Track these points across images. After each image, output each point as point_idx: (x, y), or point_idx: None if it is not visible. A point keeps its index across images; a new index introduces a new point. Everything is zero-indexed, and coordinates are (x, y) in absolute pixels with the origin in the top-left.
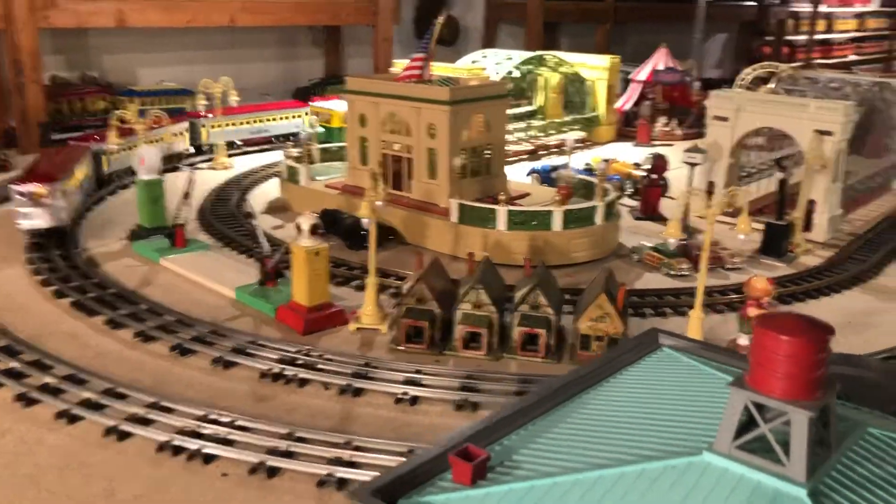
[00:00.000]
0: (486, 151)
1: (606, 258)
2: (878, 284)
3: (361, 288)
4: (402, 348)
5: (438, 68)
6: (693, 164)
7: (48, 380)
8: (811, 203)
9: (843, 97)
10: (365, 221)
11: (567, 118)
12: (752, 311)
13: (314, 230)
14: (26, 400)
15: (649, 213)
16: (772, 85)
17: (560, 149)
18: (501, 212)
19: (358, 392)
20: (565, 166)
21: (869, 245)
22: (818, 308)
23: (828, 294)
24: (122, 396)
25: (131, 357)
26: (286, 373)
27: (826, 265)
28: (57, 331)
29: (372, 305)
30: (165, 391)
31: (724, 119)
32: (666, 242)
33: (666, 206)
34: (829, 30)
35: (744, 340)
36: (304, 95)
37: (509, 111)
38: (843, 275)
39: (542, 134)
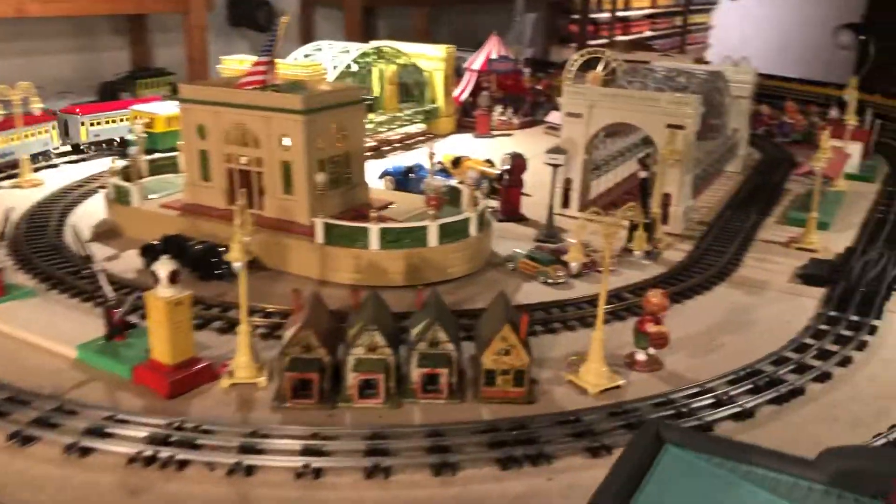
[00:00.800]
0: (347, 162)
1: (482, 270)
2: (741, 277)
3: (225, 330)
4: (289, 405)
5: (280, 66)
6: (555, 166)
7: None
8: (667, 196)
9: (682, 87)
10: (236, 265)
11: (407, 111)
12: (650, 327)
13: (174, 277)
14: None
15: (511, 213)
16: (600, 69)
17: (405, 143)
18: (374, 230)
19: (250, 470)
20: (420, 168)
21: (722, 234)
22: (700, 308)
23: (701, 292)
24: None
25: None
26: (160, 455)
27: (689, 260)
28: None
29: (246, 356)
30: (7, 500)
31: (578, 116)
32: (540, 250)
33: (526, 205)
34: (626, 6)
35: (641, 356)
36: (110, 92)
37: None
38: (710, 270)
39: (384, 129)
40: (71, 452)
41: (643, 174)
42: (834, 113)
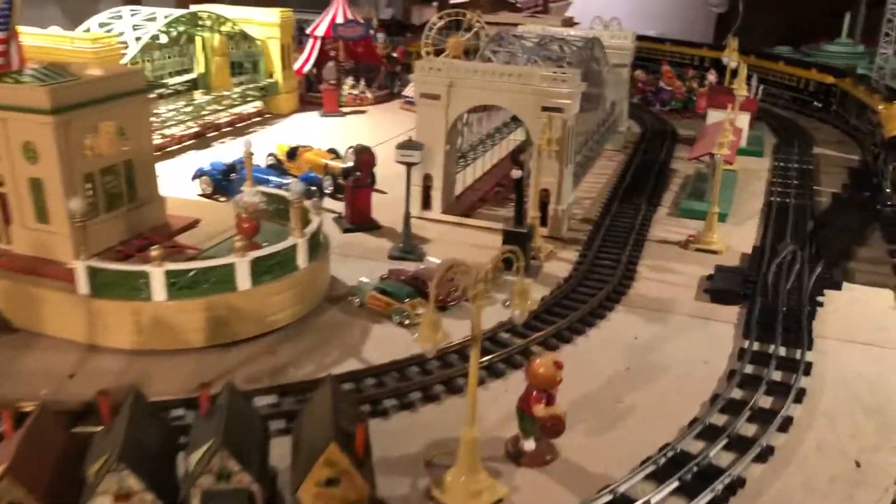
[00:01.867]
0: (129, 172)
1: (317, 309)
2: (639, 295)
3: None
4: None
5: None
6: (410, 164)
7: None
8: (545, 193)
9: (556, 58)
10: None
11: (237, 88)
12: (540, 410)
13: None
14: None
15: (360, 221)
16: (462, 34)
17: (237, 127)
18: (156, 274)
19: None
20: (235, 172)
21: (610, 235)
22: (596, 347)
23: (594, 323)
24: None
25: None
26: None
27: (576, 275)
28: None
29: None
30: None
31: (436, 97)
32: (395, 276)
33: (381, 207)
34: None
35: (529, 445)
36: None
37: (164, 82)
38: (602, 288)
39: (209, 111)
40: None
41: (517, 174)
42: (712, 77)
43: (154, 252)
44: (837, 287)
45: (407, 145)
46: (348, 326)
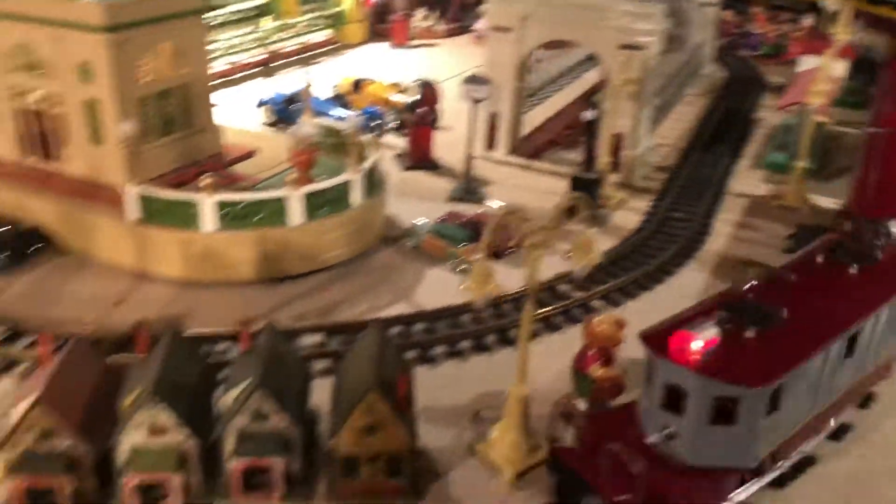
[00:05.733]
0: (184, 98)
1: (371, 250)
2: (713, 252)
3: None
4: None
5: None
6: (476, 100)
7: None
8: (618, 138)
9: None
10: None
11: (304, 16)
12: (597, 369)
13: None
14: None
15: (421, 159)
16: None
17: (304, 61)
18: (207, 204)
19: None
20: (297, 102)
21: (687, 186)
22: (661, 304)
23: (661, 278)
24: None
25: None
26: None
27: (647, 226)
28: None
29: None
30: None
31: (507, 30)
32: (454, 220)
33: (444, 145)
34: None
35: (582, 405)
36: None
37: (231, 10)
38: (674, 244)
39: (274, 39)
40: None
41: (590, 115)
42: (809, 22)
43: (205, 181)
44: None
45: (474, 80)
46: (402, 269)
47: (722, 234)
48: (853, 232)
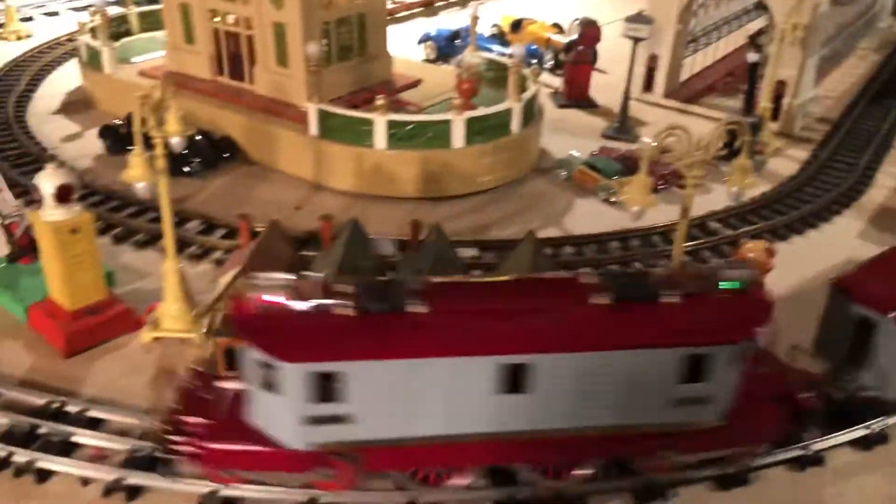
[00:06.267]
0: (361, 25)
1: (524, 178)
2: (872, 202)
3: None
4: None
5: None
6: (637, 39)
7: None
8: (780, 85)
9: None
10: (140, 184)
11: None
12: None
13: (64, 194)
14: None
15: (576, 97)
16: None
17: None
18: (380, 122)
19: (135, 492)
20: (459, 39)
21: (850, 138)
22: (813, 251)
23: (815, 224)
24: None
25: None
26: (14, 459)
27: (805, 173)
28: None
29: (176, 302)
30: None
31: None
32: (605, 154)
33: (598, 87)
34: None
35: None
36: None
37: None
38: (831, 191)
39: None
40: None
41: (754, 57)
42: None
43: (379, 101)
44: None
45: (637, 19)
46: (553, 197)
47: (885, 186)
48: None
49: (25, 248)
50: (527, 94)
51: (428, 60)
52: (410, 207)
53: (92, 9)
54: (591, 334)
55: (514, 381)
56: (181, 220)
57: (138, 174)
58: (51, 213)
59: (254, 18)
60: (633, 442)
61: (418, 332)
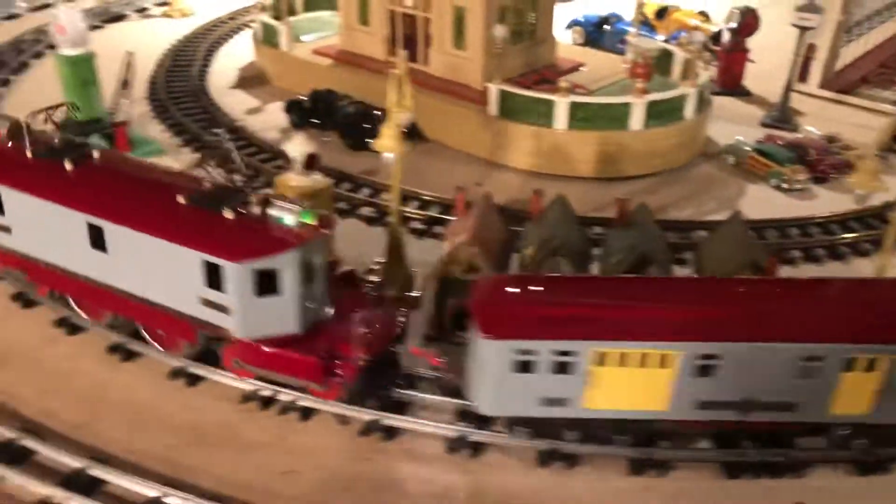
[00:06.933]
0: (533, 8)
1: (690, 163)
2: None
3: (374, 220)
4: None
5: None
6: (804, 28)
7: None
8: None
9: None
10: (386, 156)
11: None
12: None
13: (311, 163)
14: None
15: (731, 85)
16: None
17: None
18: (562, 104)
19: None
20: (619, 20)
21: None
22: None
23: None
24: None
25: None
26: (280, 398)
27: None
28: None
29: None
30: None
31: None
32: (772, 142)
33: (751, 76)
34: None
35: None
36: None
37: None
38: None
39: None
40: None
41: None
42: None
43: (563, 84)
44: None
45: (808, 8)
46: (723, 182)
47: None
48: None
49: None
50: (702, 80)
51: (576, 45)
52: (585, 186)
53: None
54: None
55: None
56: (375, 190)
57: (389, 145)
58: (296, 179)
59: (433, 1)
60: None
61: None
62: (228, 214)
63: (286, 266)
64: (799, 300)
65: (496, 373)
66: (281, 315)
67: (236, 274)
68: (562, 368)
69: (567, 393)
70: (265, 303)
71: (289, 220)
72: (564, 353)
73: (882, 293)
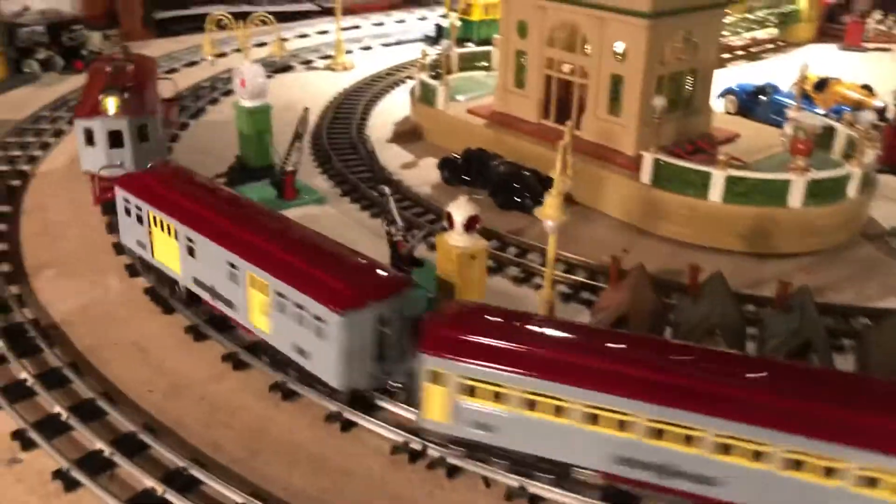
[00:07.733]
0: (688, 79)
1: (850, 244)
2: None
3: (521, 280)
4: None
5: None
6: None
7: None
8: None
9: None
10: (548, 225)
11: (758, 13)
12: None
13: (471, 224)
14: None
15: (895, 162)
16: None
17: (748, 52)
18: (719, 176)
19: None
20: (776, 90)
21: None
22: None
23: None
24: None
25: None
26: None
27: None
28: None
29: None
30: None
31: None
32: None
33: None
34: None
35: None
36: None
37: None
38: None
39: (727, 33)
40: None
41: None
42: None
43: (721, 157)
44: None
45: None
46: (886, 265)
47: None
48: None
49: (406, 264)
50: (867, 160)
51: (728, 113)
52: (736, 260)
53: (428, 49)
54: None
55: None
56: (522, 250)
57: (552, 214)
58: (457, 239)
59: (591, 69)
60: None
61: None
62: None
63: None
64: None
65: None
66: None
67: None
68: None
69: None
70: None
71: None
72: None
73: None
